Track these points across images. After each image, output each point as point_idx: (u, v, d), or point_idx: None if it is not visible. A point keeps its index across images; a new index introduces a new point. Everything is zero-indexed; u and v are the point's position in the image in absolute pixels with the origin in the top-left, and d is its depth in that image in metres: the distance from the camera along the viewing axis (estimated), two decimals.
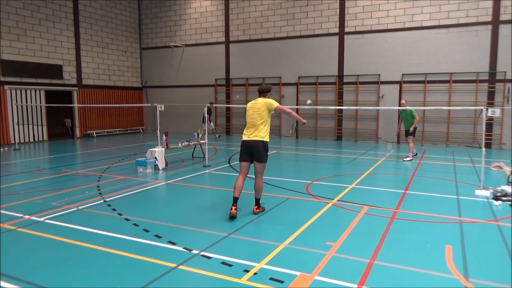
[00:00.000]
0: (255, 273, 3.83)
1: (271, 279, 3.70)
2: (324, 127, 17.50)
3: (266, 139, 5.69)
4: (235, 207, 5.56)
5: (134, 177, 8.75)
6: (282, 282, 3.65)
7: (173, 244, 4.63)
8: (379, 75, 16.07)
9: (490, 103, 14.19)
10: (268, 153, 5.86)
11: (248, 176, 5.93)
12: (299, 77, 17.70)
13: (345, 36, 16.65)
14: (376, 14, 15.98)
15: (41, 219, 5.60)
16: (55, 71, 17.24)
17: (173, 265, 4.03)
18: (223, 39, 19.51)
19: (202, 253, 4.35)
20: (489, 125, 14.16)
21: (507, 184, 7.39)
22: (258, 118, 5.65)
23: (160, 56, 21.49)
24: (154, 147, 9.90)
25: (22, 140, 15.91)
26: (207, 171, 9.55)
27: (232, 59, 19.41)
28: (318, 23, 17.16)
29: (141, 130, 22.04)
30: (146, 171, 9.22)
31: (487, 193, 7.00)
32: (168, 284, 3.66)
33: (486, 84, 14.36)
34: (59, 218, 5.68)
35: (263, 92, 5.84)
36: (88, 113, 18.91)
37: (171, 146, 10.55)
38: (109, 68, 20.21)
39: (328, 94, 17.23)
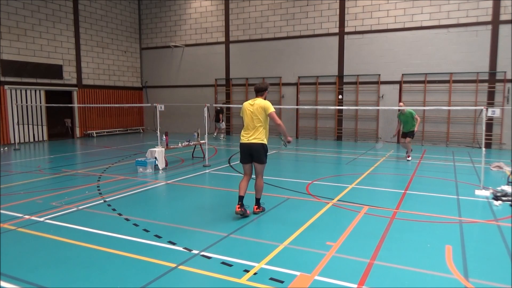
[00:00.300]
0: (255, 273, 3.83)
1: (271, 279, 3.70)
2: (324, 127, 17.50)
3: (265, 141, 5.64)
4: (239, 205, 5.58)
5: (134, 177, 8.75)
6: (282, 282, 3.65)
7: (173, 244, 4.63)
8: (379, 75, 16.07)
9: (490, 103, 14.19)
10: (268, 153, 5.85)
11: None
12: (299, 77, 17.70)
13: (345, 36, 16.65)
14: (376, 14, 15.98)
15: (41, 219, 5.60)
16: (55, 71, 17.24)
17: (173, 265, 4.03)
18: (223, 39, 19.51)
19: (202, 253, 4.35)
20: (489, 125, 14.16)
21: (507, 184, 7.39)
22: (256, 120, 5.57)
23: (160, 56, 21.49)
24: (154, 147, 9.90)
25: (22, 140, 15.91)
26: (207, 171, 9.55)
27: (232, 59, 19.41)
28: (318, 23, 17.16)
29: (141, 130, 22.04)
30: (146, 171, 9.22)
31: (487, 193, 7.00)
32: (168, 284, 3.66)
33: (486, 84, 14.37)
34: (59, 218, 5.68)
35: (260, 91, 5.72)
36: (88, 113, 18.91)
37: (171, 146, 10.55)
38: (109, 68, 20.21)
39: (328, 94, 17.23)
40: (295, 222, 5.42)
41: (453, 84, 14.85)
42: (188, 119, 20.30)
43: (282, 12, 17.94)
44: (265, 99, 5.73)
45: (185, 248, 4.48)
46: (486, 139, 11.98)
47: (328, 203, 6.48)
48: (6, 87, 15.41)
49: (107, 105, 19.08)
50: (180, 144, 10.83)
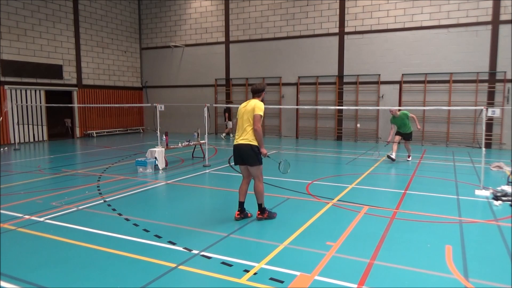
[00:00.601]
0: (255, 273, 3.84)
1: (271, 279, 3.71)
2: (324, 127, 17.50)
3: (255, 143, 5.30)
4: (238, 212, 5.54)
5: (134, 177, 8.75)
6: (282, 282, 3.65)
7: (173, 244, 4.63)
8: (379, 75, 16.07)
9: (490, 103, 14.19)
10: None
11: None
12: (299, 77, 17.70)
13: (345, 36, 16.65)
14: (376, 14, 15.98)
15: (41, 219, 5.60)
16: (55, 71, 17.24)
17: (173, 265, 4.03)
18: (223, 39, 19.51)
19: (202, 253, 4.35)
20: (489, 125, 14.16)
21: (507, 184, 7.38)
22: (246, 120, 5.34)
23: (160, 56, 21.49)
24: (154, 147, 9.90)
25: (22, 140, 15.91)
26: (207, 171, 9.55)
27: (232, 59, 19.41)
28: (318, 23, 17.16)
29: (141, 130, 22.03)
30: (146, 171, 9.22)
31: (487, 193, 7.00)
32: (168, 284, 3.66)
33: (486, 84, 14.36)
34: (59, 218, 5.68)
35: (257, 92, 5.50)
36: (88, 113, 18.91)
37: (171, 146, 10.55)
38: (109, 68, 20.21)
39: (328, 94, 17.23)
40: (295, 222, 5.42)
41: (453, 84, 14.85)
42: (188, 119, 20.30)
43: (282, 12, 17.94)
44: (262, 100, 5.50)
45: (185, 248, 4.48)
46: (486, 139, 11.98)
47: (328, 203, 6.48)
48: (6, 87, 15.41)
49: (107, 105, 19.08)
50: (180, 144, 10.83)
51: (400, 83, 15.73)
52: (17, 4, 15.73)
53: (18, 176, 9.00)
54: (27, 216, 5.73)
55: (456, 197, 6.96)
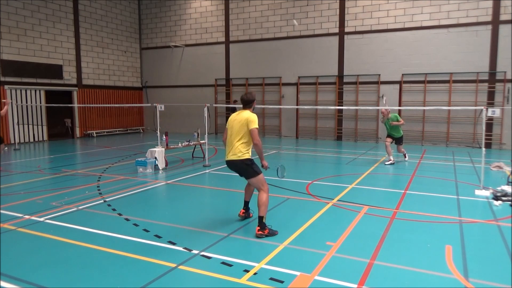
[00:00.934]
0: (255, 273, 3.84)
1: (271, 279, 3.71)
2: (324, 127, 17.50)
3: (246, 156, 5.00)
4: (243, 210, 5.61)
5: (134, 177, 8.75)
6: (282, 282, 3.65)
7: (173, 244, 4.63)
8: (379, 75, 16.07)
9: (490, 103, 14.19)
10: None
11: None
12: (299, 77, 17.70)
13: (345, 36, 16.65)
14: (376, 14, 15.98)
15: (41, 219, 5.60)
16: (55, 71, 17.24)
17: (173, 265, 4.03)
18: (223, 39, 19.51)
19: (202, 253, 4.35)
20: (489, 125, 14.16)
21: (507, 184, 7.38)
22: (236, 134, 5.01)
23: (160, 56, 21.49)
24: (154, 147, 9.90)
25: (22, 140, 15.91)
26: (207, 171, 9.55)
27: (232, 59, 19.41)
28: (318, 23, 17.16)
29: (141, 130, 22.03)
30: (146, 171, 9.22)
31: (487, 193, 7.00)
32: (168, 284, 3.66)
33: (486, 84, 14.36)
34: (59, 218, 5.68)
35: (248, 103, 5.14)
36: (88, 113, 18.91)
37: (171, 146, 10.55)
38: (109, 68, 20.21)
39: (328, 94, 17.23)
40: (295, 222, 5.42)
41: (453, 84, 14.85)
42: (188, 119, 20.30)
43: (282, 12, 17.93)
44: (252, 111, 5.16)
45: (185, 248, 4.48)
46: (486, 139, 11.97)
47: (328, 203, 6.48)
48: (6, 87, 15.41)
49: (107, 105, 19.08)
50: (180, 144, 10.82)
51: (400, 83, 15.72)
52: (17, 4, 15.73)
53: (18, 176, 9.00)
54: (27, 216, 5.73)
55: (456, 197, 6.96)
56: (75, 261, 4.17)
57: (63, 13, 17.65)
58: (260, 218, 4.92)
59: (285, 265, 4.01)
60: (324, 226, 5.31)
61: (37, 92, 16.71)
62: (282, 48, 18.05)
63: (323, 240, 4.72)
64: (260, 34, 18.51)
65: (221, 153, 12.80)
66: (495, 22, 14.03)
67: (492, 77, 14.27)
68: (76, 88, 18.30)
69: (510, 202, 6.43)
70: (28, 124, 16.32)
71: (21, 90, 16.06)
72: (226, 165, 5.24)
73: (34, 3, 16.35)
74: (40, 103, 16.77)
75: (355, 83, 16.62)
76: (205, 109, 10.51)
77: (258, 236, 4.86)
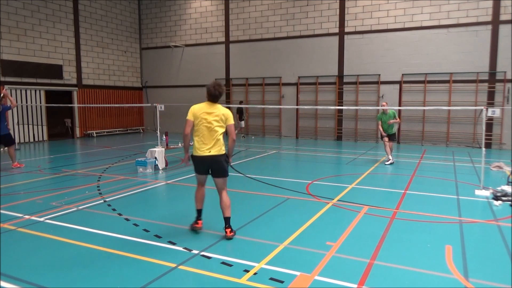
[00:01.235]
0: (255, 273, 3.83)
1: (271, 279, 3.70)
2: (324, 127, 17.50)
3: (224, 152, 4.95)
4: (201, 222, 5.18)
5: (134, 177, 8.75)
6: (282, 282, 3.65)
7: (173, 244, 4.63)
8: (379, 75, 16.07)
9: (490, 103, 14.18)
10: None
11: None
12: (299, 77, 17.70)
13: (345, 36, 16.65)
14: (376, 14, 15.98)
15: (41, 219, 5.60)
16: (55, 71, 17.24)
17: (173, 265, 4.03)
18: (223, 39, 19.51)
19: (202, 253, 4.35)
20: (489, 125, 14.16)
21: (507, 184, 7.38)
22: (220, 129, 4.85)
23: (160, 56, 21.49)
24: (154, 147, 9.90)
25: (22, 140, 15.91)
26: None
27: (232, 59, 19.41)
28: (318, 23, 17.16)
29: (141, 130, 22.03)
30: (146, 171, 9.22)
31: (487, 193, 7.00)
32: (168, 284, 3.66)
33: (486, 84, 14.36)
34: (59, 218, 5.68)
35: (218, 97, 4.93)
36: (88, 113, 18.91)
37: (171, 146, 10.55)
38: (109, 68, 20.21)
39: (328, 94, 17.23)
40: (295, 222, 5.42)
41: (453, 84, 14.85)
42: None
43: (282, 12, 17.94)
44: None
45: (185, 248, 4.48)
46: (486, 139, 11.97)
47: (328, 203, 6.48)
48: (6, 87, 15.37)
49: (107, 105, 19.08)
50: (180, 144, 10.81)
51: (400, 83, 15.73)
52: (17, 4, 15.72)
53: (18, 176, 9.00)
54: (27, 216, 5.73)
55: (456, 197, 6.96)
56: (75, 261, 4.17)
57: (63, 13, 17.65)
58: (229, 219, 4.92)
59: (285, 265, 4.01)
60: (324, 226, 5.31)
61: (37, 92, 16.71)
62: (282, 48, 18.05)
63: (323, 240, 4.72)
64: (260, 34, 18.51)
65: None
66: (495, 22, 14.03)
67: (492, 77, 14.27)
68: (76, 88, 18.30)
69: (510, 202, 6.43)
70: (28, 124, 16.31)
71: (21, 90, 16.06)
72: (196, 161, 5.00)
73: (34, 3, 16.35)
74: (40, 103, 16.76)
75: (355, 83, 16.62)
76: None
77: (230, 238, 4.80)
